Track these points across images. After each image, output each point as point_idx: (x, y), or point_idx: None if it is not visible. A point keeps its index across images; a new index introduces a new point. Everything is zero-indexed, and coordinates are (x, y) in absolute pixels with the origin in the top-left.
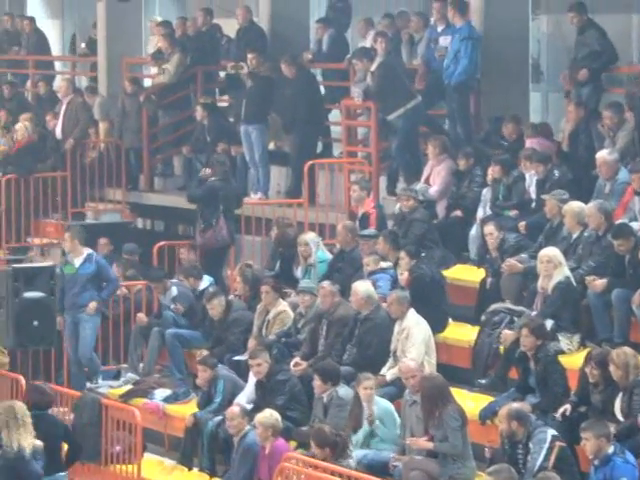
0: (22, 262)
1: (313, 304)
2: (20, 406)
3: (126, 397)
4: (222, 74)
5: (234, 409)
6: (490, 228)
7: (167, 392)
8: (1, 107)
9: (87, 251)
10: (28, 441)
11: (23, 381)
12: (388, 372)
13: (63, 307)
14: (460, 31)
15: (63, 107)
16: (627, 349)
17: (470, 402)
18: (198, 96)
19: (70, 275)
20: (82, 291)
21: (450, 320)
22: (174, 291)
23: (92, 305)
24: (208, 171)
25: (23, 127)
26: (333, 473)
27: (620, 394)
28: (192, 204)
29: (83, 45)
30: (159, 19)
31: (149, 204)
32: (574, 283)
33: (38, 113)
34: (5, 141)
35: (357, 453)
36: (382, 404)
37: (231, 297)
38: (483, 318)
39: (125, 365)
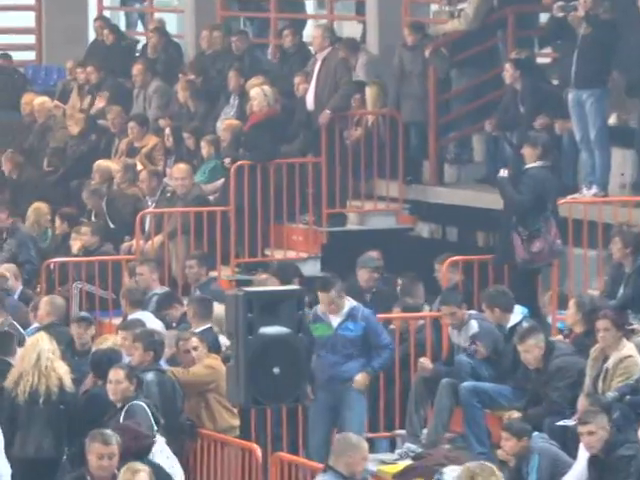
0: (258, 284)
1: None
2: None
3: (404, 477)
4: (544, 17)
5: None
6: None
7: None
8: (230, 67)
9: (350, 304)
10: None
11: (259, 453)
12: None
13: (313, 378)
14: None
15: (317, 66)
16: None
17: None
18: (508, 49)
19: (325, 338)
20: (345, 360)
21: None
22: (473, 326)
23: (361, 378)
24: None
25: (260, 95)
26: None
27: None
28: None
29: None
30: None
31: (436, 203)
32: None
33: (282, 75)
34: (235, 113)
35: None
36: None
37: (555, 338)
38: None
39: (401, 432)
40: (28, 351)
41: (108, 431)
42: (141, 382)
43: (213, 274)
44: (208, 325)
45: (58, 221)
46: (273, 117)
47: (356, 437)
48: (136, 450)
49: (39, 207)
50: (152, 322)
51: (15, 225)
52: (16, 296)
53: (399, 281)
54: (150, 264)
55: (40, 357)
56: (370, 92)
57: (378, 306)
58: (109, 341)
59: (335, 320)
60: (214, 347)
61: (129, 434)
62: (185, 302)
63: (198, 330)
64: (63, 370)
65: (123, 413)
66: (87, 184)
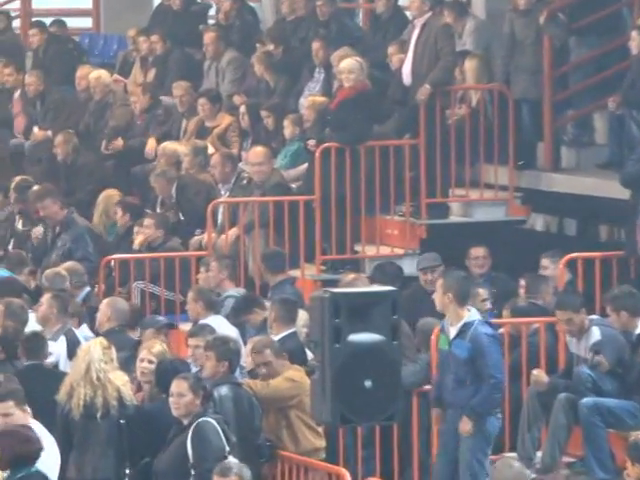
0: (345, 285)
1: None
2: None
3: None
4: None
5: None
6: None
7: None
8: (315, 35)
9: (468, 316)
10: None
11: (348, 478)
12: None
13: (440, 399)
14: None
15: (415, 34)
16: None
17: None
18: (635, 15)
19: (443, 352)
20: (456, 385)
21: None
22: (595, 334)
23: (463, 424)
24: None
25: (351, 67)
26: None
27: None
28: (628, 189)
29: None
30: None
31: (553, 191)
32: None
33: (373, 44)
34: (320, 88)
35: None
36: None
37: None
38: None
39: (512, 455)
40: (77, 360)
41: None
42: (209, 395)
43: (295, 273)
44: (292, 330)
45: (120, 212)
46: (364, 93)
47: (518, 465)
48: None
49: (110, 195)
50: (226, 328)
51: (70, 217)
52: (80, 299)
53: (522, 282)
54: (222, 261)
55: (89, 367)
56: (470, 65)
57: None
58: (155, 348)
59: (451, 333)
60: (298, 357)
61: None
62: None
63: (280, 336)
64: (121, 381)
65: (191, 432)
66: (152, 168)
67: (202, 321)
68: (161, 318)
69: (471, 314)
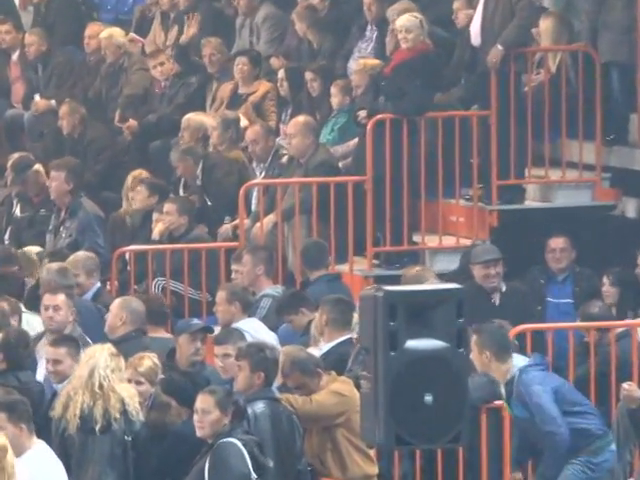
0: (409, 281)
1: None
2: None
3: None
4: None
5: None
6: None
7: None
8: None
9: (510, 366)
10: None
11: None
12: None
13: (519, 461)
14: None
15: None
16: None
17: None
18: None
19: (513, 417)
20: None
21: None
22: None
23: None
24: None
25: (410, 25)
26: None
27: None
28: None
29: None
30: None
31: None
32: None
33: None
34: (373, 50)
35: None
36: None
37: None
38: None
39: None
40: (80, 367)
41: None
42: (243, 413)
43: (342, 268)
44: (346, 336)
45: (144, 192)
46: (425, 55)
47: None
48: None
49: (140, 175)
50: (264, 333)
51: (77, 202)
52: (89, 296)
53: (604, 279)
54: (256, 254)
55: (93, 374)
56: (545, 25)
57: (509, 312)
58: (143, 366)
59: (504, 393)
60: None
61: None
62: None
63: (332, 344)
64: (128, 393)
65: (209, 455)
66: (175, 144)
67: (236, 325)
68: (196, 321)
69: (513, 365)
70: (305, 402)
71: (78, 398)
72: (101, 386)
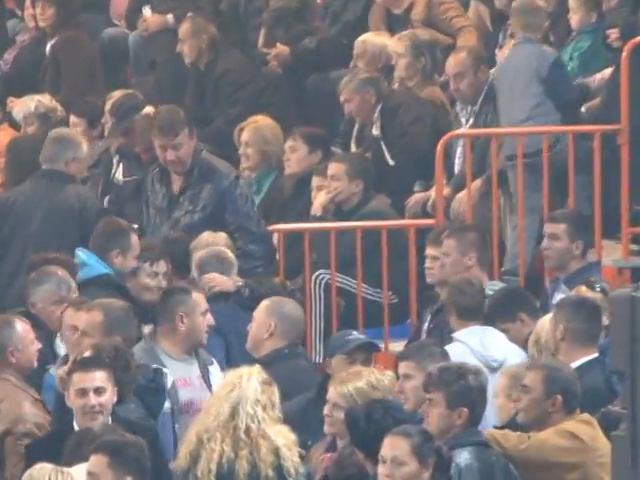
0: None
1: None
2: None
3: None
4: None
5: None
6: None
7: None
8: None
9: None
10: None
11: None
12: None
13: None
14: None
15: None
16: None
17: None
18: None
19: None
20: None
21: None
22: None
23: None
24: None
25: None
26: None
27: None
28: None
29: None
30: None
31: None
32: None
33: None
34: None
35: None
36: None
37: None
38: None
39: None
40: (219, 397)
41: None
42: (447, 466)
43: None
44: (592, 356)
45: (303, 148)
46: None
47: None
48: None
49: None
50: (499, 348)
51: (202, 160)
52: None
53: None
54: (464, 235)
55: (238, 411)
56: None
57: None
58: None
59: None
60: (600, 399)
61: None
62: None
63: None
64: (285, 440)
65: None
66: (341, 77)
67: (456, 335)
68: (355, 335)
69: None
70: (521, 441)
71: (215, 446)
72: (248, 430)
